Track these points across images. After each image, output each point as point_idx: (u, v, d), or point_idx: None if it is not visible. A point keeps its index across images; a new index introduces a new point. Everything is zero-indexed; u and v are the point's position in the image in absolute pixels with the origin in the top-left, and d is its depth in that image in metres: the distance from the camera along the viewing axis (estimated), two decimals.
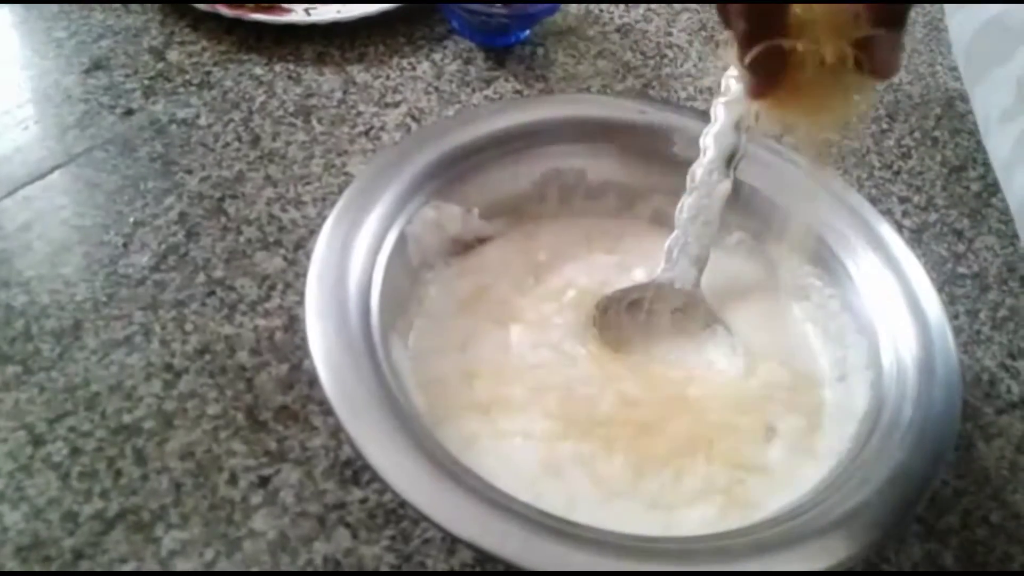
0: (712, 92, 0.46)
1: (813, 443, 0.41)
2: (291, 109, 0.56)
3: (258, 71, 0.58)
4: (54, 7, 0.60)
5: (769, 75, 0.34)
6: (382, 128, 0.56)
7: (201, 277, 0.47)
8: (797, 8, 0.33)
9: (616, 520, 0.37)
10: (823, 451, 0.40)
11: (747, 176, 0.47)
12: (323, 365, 0.36)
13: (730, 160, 0.45)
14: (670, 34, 0.66)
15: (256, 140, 0.54)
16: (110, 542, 0.37)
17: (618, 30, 0.66)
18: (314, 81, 0.58)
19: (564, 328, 0.44)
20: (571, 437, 0.40)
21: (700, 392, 0.42)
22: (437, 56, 0.61)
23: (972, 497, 0.43)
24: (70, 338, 0.43)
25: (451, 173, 0.46)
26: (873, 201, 0.50)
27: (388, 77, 0.59)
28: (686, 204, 0.45)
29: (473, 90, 0.59)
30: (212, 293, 0.46)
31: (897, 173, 0.59)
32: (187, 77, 0.57)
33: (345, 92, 0.58)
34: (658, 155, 0.49)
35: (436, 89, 0.59)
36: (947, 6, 0.66)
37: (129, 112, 0.55)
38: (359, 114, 0.56)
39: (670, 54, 0.65)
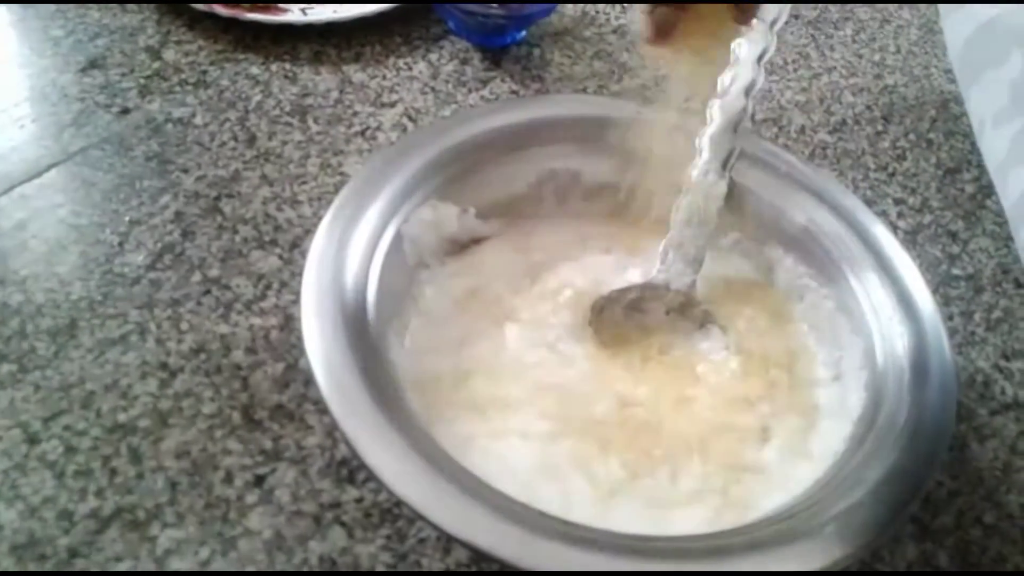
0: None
1: (808, 443, 0.41)
2: (287, 108, 0.56)
3: (254, 70, 0.58)
4: (51, 6, 0.60)
5: (666, 27, 0.41)
6: (378, 128, 0.56)
7: (197, 276, 0.47)
8: None
9: (612, 520, 0.37)
10: (818, 451, 0.40)
11: (743, 177, 0.47)
12: (319, 364, 0.36)
13: (726, 161, 0.46)
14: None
15: (252, 139, 0.54)
16: (105, 541, 0.37)
17: (614, 31, 0.66)
18: (310, 81, 0.58)
19: (560, 328, 0.44)
20: (567, 437, 0.40)
21: (695, 392, 0.42)
22: (433, 56, 0.61)
23: (966, 497, 0.44)
24: (65, 336, 0.43)
25: (447, 173, 0.46)
26: (868, 203, 0.50)
27: (384, 77, 0.59)
28: (682, 205, 0.46)
29: (469, 90, 0.59)
30: (208, 292, 0.46)
31: (892, 175, 0.59)
32: (183, 76, 0.57)
33: (341, 92, 0.58)
34: (654, 156, 0.49)
35: (432, 89, 0.59)
36: (942, 8, 0.66)
37: (125, 111, 0.55)
38: (355, 114, 0.56)
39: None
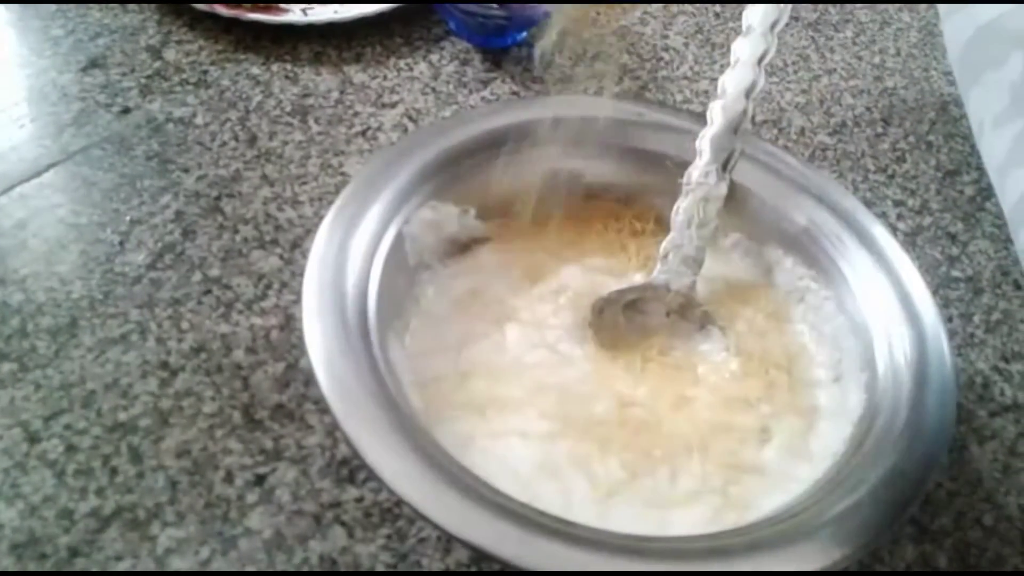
0: (708, 95, 0.47)
1: (808, 444, 0.41)
2: (288, 109, 0.56)
3: (255, 71, 0.58)
4: (51, 5, 0.60)
5: None
6: (379, 128, 0.56)
7: (197, 276, 0.47)
8: None
9: (612, 520, 0.37)
10: (818, 452, 0.40)
11: (743, 178, 0.47)
12: (320, 364, 0.36)
13: (726, 162, 0.46)
14: (666, 37, 0.66)
15: (253, 139, 0.54)
16: (106, 540, 0.37)
17: (615, 32, 0.66)
18: (311, 81, 0.58)
19: (560, 329, 0.44)
20: (567, 437, 0.40)
21: (695, 393, 0.42)
22: (434, 57, 0.61)
23: (965, 499, 0.44)
24: (66, 336, 0.43)
25: (448, 174, 0.46)
26: (868, 204, 0.50)
27: (385, 77, 0.59)
28: (682, 206, 0.46)
29: (470, 91, 0.60)
30: (208, 292, 0.46)
31: (891, 177, 0.59)
32: (184, 76, 0.57)
33: (342, 92, 0.58)
34: (655, 157, 0.49)
35: (433, 90, 0.59)
36: (942, 10, 0.66)
37: (126, 111, 0.55)
38: (356, 114, 0.57)
39: (666, 57, 0.65)
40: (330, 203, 0.43)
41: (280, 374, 0.43)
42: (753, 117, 0.46)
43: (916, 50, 0.70)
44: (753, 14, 0.46)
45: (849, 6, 0.73)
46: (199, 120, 0.55)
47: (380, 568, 0.38)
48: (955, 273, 0.54)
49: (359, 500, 0.40)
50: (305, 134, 0.55)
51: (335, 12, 0.61)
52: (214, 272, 0.47)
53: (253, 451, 0.41)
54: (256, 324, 0.45)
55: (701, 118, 0.47)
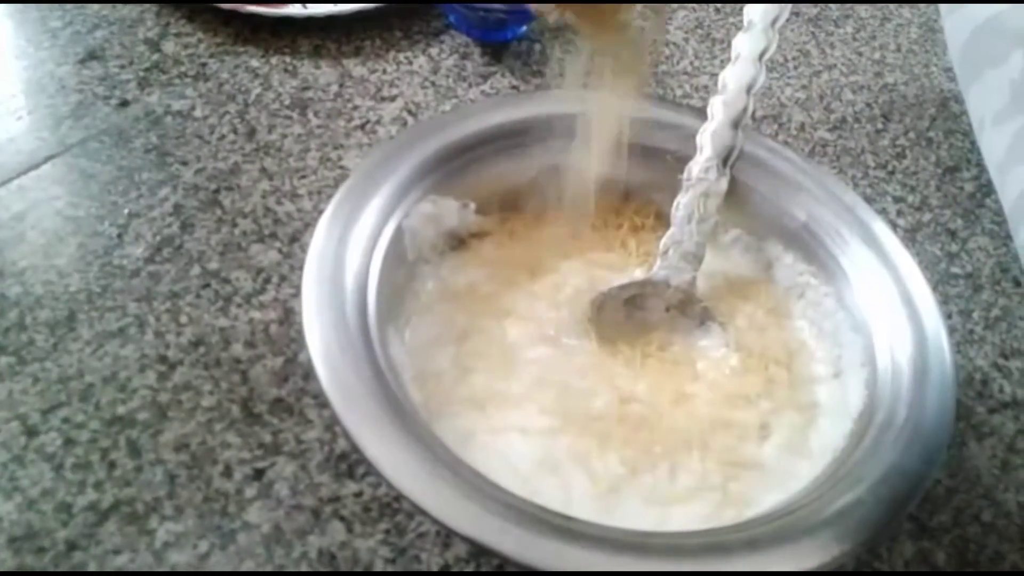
0: (708, 90, 0.47)
1: (807, 441, 0.41)
2: (287, 102, 0.56)
3: (254, 63, 0.58)
4: None
5: None
6: (378, 122, 0.56)
7: (196, 269, 0.47)
8: None
9: (611, 515, 0.37)
10: (817, 449, 0.40)
11: (743, 174, 0.47)
12: (319, 358, 0.36)
13: (726, 158, 0.45)
14: (667, 32, 0.66)
15: (252, 132, 0.54)
16: (104, 534, 0.37)
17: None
18: (310, 74, 0.58)
19: (560, 324, 0.44)
20: (567, 433, 0.40)
21: (695, 389, 0.42)
22: (434, 51, 0.61)
23: (964, 496, 0.44)
24: (64, 329, 0.43)
25: (448, 168, 0.46)
26: (868, 200, 0.50)
27: (384, 71, 0.59)
28: (682, 202, 0.46)
29: (470, 85, 0.59)
30: (207, 285, 0.46)
31: (892, 173, 0.59)
32: (183, 69, 0.57)
33: (341, 86, 0.58)
34: (655, 152, 0.49)
35: (432, 84, 0.59)
36: (943, 7, 0.66)
37: (124, 103, 0.54)
38: (355, 108, 0.56)
39: (667, 52, 0.65)
40: (329, 197, 0.42)
41: (279, 368, 0.43)
42: (754, 113, 0.46)
43: (916, 46, 0.70)
44: (754, 10, 0.46)
45: (850, 2, 0.72)
46: (198, 113, 0.54)
47: (379, 563, 0.38)
48: (955, 270, 0.54)
49: (358, 495, 0.40)
50: (304, 127, 0.55)
51: (334, 5, 0.60)
52: (213, 265, 0.47)
53: (252, 445, 0.41)
54: (255, 318, 0.45)
55: (701, 113, 0.47)
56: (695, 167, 0.46)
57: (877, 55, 0.68)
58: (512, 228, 0.48)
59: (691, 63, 0.64)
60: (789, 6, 0.46)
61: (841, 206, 0.47)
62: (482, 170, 0.47)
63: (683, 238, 0.45)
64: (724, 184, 0.46)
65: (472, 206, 0.46)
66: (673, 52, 0.65)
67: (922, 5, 0.73)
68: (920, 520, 0.42)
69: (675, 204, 0.46)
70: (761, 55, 0.46)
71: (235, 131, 0.54)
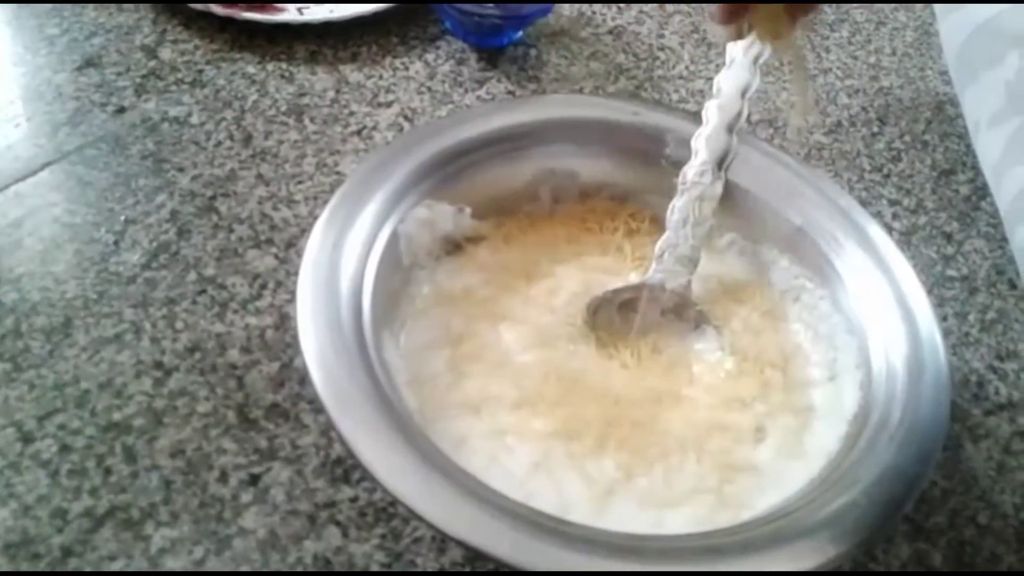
0: (704, 94, 0.47)
1: (803, 443, 0.41)
2: (283, 108, 0.56)
3: (250, 70, 0.58)
4: (46, 4, 0.60)
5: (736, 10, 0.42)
6: (374, 128, 0.56)
7: (192, 275, 0.47)
8: None
9: (607, 519, 0.37)
10: (813, 451, 0.40)
11: (738, 178, 0.47)
12: (314, 363, 0.36)
13: (721, 162, 0.46)
14: (662, 36, 0.66)
15: (248, 139, 0.54)
16: (99, 540, 0.37)
17: (610, 32, 0.66)
18: (307, 80, 0.58)
19: (555, 328, 0.44)
20: (562, 436, 0.40)
21: (690, 392, 0.42)
22: (430, 56, 0.61)
23: (960, 497, 0.44)
24: (60, 335, 0.43)
25: (444, 172, 0.46)
26: (863, 203, 0.50)
27: (381, 77, 0.59)
28: (677, 205, 0.46)
29: (466, 90, 0.60)
30: (203, 291, 0.46)
31: (887, 176, 0.59)
32: (179, 75, 0.57)
33: (338, 91, 0.58)
34: (650, 156, 0.49)
35: (429, 89, 0.59)
36: (938, 10, 0.66)
37: (121, 110, 0.54)
38: (352, 113, 0.56)
39: (662, 56, 0.65)
40: (325, 202, 0.43)
41: (275, 373, 0.43)
42: (749, 116, 0.46)
43: (912, 50, 0.70)
44: None
45: (845, 5, 0.73)
46: (194, 119, 0.54)
47: (374, 568, 0.38)
48: (950, 272, 0.54)
49: (354, 500, 0.40)
50: (300, 133, 0.55)
51: (330, 11, 0.60)
52: (209, 271, 0.47)
53: (247, 451, 0.41)
54: (251, 323, 0.45)
55: (696, 117, 0.47)
56: (690, 171, 0.46)
57: (872, 59, 0.68)
58: (507, 232, 0.48)
59: (687, 67, 0.64)
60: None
61: (836, 209, 0.47)
62: (477, 175, 0.47)
63: (678, 242, 0.45)
64: (719, 188, 0.46)
65: (468, 211, 0.46)
66: (669, 57, 0.65)
67: (917, 8, 0.73)
68: (916, 522, 0.42)
69: (670, 208, 0.46)
70: (756, 59, 0.46)
71: (231, 137, 0.54)
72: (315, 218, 0.42)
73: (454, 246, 0.47)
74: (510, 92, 0.60)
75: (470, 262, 0.46)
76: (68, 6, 0.60)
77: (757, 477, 0.40)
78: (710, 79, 0.47)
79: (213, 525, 0.38)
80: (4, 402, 0.41)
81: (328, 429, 0.41)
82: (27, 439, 0.40)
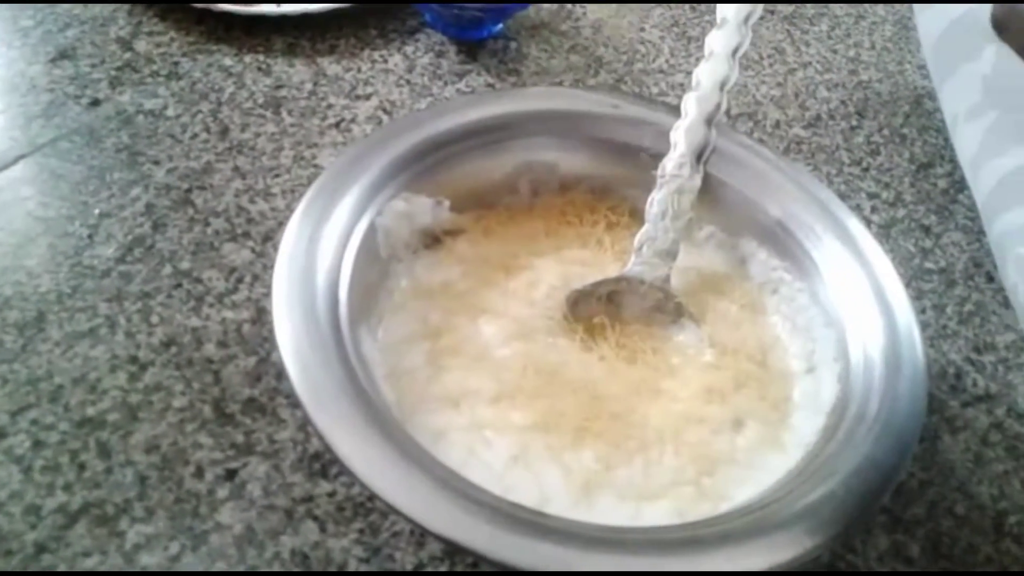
0: (684, 88, 0.47)
1: (781, 435, 0.41)
2: (260, 101, 0.56)
3: (227, 62, 0.58)
4: None
5: None
6: (353, 120, 0.55)
7: (168, 269, 0.46)
8: None
9: (586, 511, 0.37)
10: (791, 443, 0.40)
11: (717, 171, 0.47)
12: (290, 357, 0.36)
13: (700, 154, 0.46)
14: (643, 30, 0.66)
15: (225, 131, 0.53)
16: (73, 536, 0.37)
17: (591, 25, 0.66)
18: (284, 73, 0.58)
19: (534, 321, 0.44)
20: (541, 429, 0.39)
21: (669, 385, 0.42)
22: (409, 49, 0.61)
23: (938, 489, 0.44)
24: (33, 330, 0.43)
25: (422, 165, 0.46)
26: (842, 196, 0.50)
27: (359, 70, 0.59)
28: (656, 198, 0.46)
29: (445, 83, 0.59)
30: (179, 285, 0.46)
31: (866, 169, 0.60)
32: (155, 67, 0.56)
33: (316, 84, 0.57)
34: (630, 149, 0.49)
35: (408, 82, 0.59)
36: (915, 4, 0.66)
37: (95, 102, 0.54)
38: (330, 106, 0.56)
39: (642, 50, 0.65)
40: (303, 195, 0.42)
41: (251, 368, 0.43)
42: (728, 110, 0.46)
43: (891, 44, 0.70)
44: (727, 7, 0.46)
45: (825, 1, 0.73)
46: (170, 112, 0.54)
47: (352, 562, 0.38)
48: (928, 265, 0.54)
49: (331, 494, 0.39)
50: (278, 126, 0.54)
51: (309, 3, 0.60)
52: (185, 265, 0.47)
53: (224, 446, 0.40)
54: (227, 318, 0.45)
55: (676, 110, 0.47)
56: (669, 164, 0.46)
57: (852, 53, 0.68)
58: (487, 225, 0.48)
59: (667, 61, 0.64)
60: (761, 4, 0.46)
61: (815, 203, 0.47)
62: (456, 167, 0.47)
63: (657, 235, 0.45)
64: (698, 181, 0.46)
65: (446, 203, 0.46)
66: (649, 50, 0.65)
67: (896, 3, 0.74)
68: (894, 513, 0.43)
69: (649, 201, 0.46)
70: (734, 52, 0.46)
71: (208, 130, 0.53)
72: (292, 211, 0.41)
73: (432, 239, 0.46)
74: (490, 85, 0.60)
75: (449, 255, 0.46)
76: None
77: (736, 469, 0.40)
78: (690, 73, 0.47)
79: (189, 521, 0.38)
80: None
81: (305, 424, 0.41)
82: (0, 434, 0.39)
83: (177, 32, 0.59)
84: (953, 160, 0.60)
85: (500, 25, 0.63)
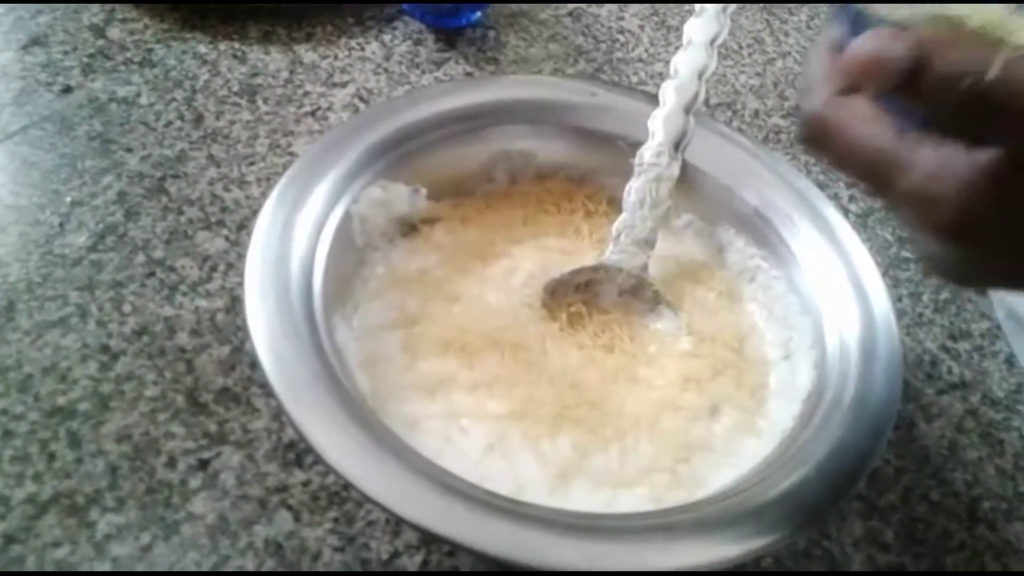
0: (663, 77, 0.46)
1: (757, 422, 0.41)
2: (236, 88, 0.55)
3: (202, 49, 0.57)
4: None
5: None
6: (329, 108, 0.55)
7: (140, 257, 0.46)
8: None
9: (562, 499, 0.37)
10: (767, 429, 0.40)
11: (695, 159, 0.47)
12: (263, 347, 0.35)
13: (678, 143, 0.45)
14: (622, 19, 0.66)
15: (199, 119, 0.53)
16: (43, 526, 0.36)
17: (570, 14, 0.65)
18: (260, 60, 0.57)
19: (511, 309, 0.44)
20: (517, 417, 0.39)
21: (646, 372, 0.42)
22: (387, 37, 0.60)
23: (913, 475, 0.44)
24: (2, 319, 0.42)
25: (399, 153, 0.45)
26: (820, 186, 0.50)
27: (336, 57, 0.58)
28: (634, 187, 0.45)
29: (423, 71, 0.59)
30: (152, 274, 0.45)
31: None
32: (128, 55, 0.56)
33: (292, 72, 0.57)
34: (608, 138, 0.49)
35: (385, 70, 0.58)
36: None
37: (67, 89, 0.53)
38: (306, 94, 0.55)
39: (621, 39, 0.65)
40: (276, 183, 0.42)
41: (225, 357, 0.43)
42: (707, 99, 0.46)
43: None
44: None
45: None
46: (143, 100, 0.53)
47: (327, 551, 0.38)
48: (905, 254, 0.55)
49: (306, 484, 0.39)
50: (253, 114, 0.54)
51: None
52: (158, 254, 0.46)
53: (197, 435, 0.40)
54: (201, 306, 0.44)
55: (654, 99, 0.46)
56: (647, 152, 0.46)
57: None
58: (464, 213, 0.47)
59: (646, 50, 0.64)
60: None
61: (793, 191, 0.47)
62: (433, 155, 0.46)
63: (635, 223, 0.45)
64: (676, 169, 0.46)
65: (423, 191, 0.46)
66: (628, 39, 0.65)
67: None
68: (869, 499, 0.43)
69: (627, 189, 0.46)
70: (713, 41, 0.46)
71: (182, 118, 0.53)
72: (267, 199, 0.41)
73: (409, 227, 0.46)
74: (468, 73, 0.59)
75: (425, 243, 0.46)
76: None
77: (712, 456, 0.40)
78: (669, 62, 0.47)
79: (161, 511, 0.37)
80: None
81: (279, 413, 0.41)
82: None
83: (151, 19, 0.58)
84: None
85: (479, 13, 0.62)
